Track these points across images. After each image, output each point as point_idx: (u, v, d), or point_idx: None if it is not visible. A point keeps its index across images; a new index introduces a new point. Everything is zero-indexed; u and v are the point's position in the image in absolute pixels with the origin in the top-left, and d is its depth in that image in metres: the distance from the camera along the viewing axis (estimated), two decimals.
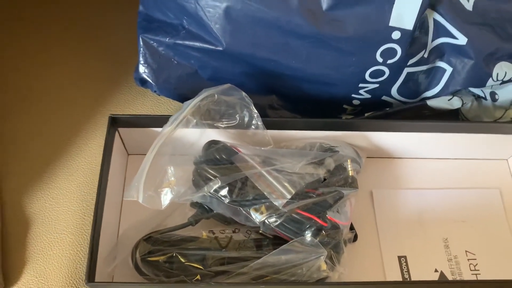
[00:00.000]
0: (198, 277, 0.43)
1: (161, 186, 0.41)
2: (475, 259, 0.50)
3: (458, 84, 0.51)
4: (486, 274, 0.49)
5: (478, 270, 0.49)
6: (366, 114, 0.54)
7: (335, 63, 0.48)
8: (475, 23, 0.47)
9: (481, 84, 0.51)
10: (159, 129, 0.46)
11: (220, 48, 0.47)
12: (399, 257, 0.49)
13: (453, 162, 0.55)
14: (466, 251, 0.50)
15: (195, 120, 0.45)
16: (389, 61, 0.48)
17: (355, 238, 0.49)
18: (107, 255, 0.45)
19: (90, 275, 0.40)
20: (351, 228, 0.49)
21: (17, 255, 0.48)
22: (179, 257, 0.43)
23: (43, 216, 0.50)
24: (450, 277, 0.48)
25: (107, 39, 0.63)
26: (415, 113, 0.54)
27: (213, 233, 0.47)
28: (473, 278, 0.48)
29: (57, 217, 0.50)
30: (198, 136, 0.47)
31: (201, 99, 0.45)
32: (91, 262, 0.40)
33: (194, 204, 0.47)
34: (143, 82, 0.53)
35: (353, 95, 0.52)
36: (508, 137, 0.51)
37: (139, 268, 0.44)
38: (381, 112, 0.54)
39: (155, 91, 0.53)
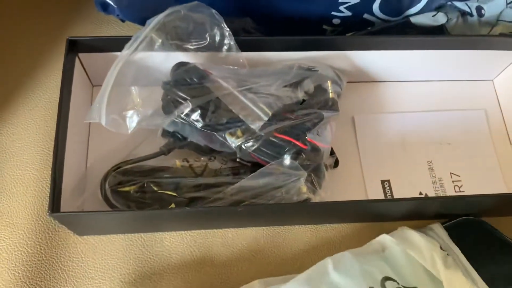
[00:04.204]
0: (173, 205, 0.40)
1: (126, 108, 0.38)
2: (460, 180, 0.48)
3: None
4: None
5: (463, 191, 0.48)
6: (347, 35, 0.51)
7: None
8: None
9: None
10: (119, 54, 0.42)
11: None
12: (382, 181, 0.48)
13: (438, 84, 0.53)
14: (451, 173, 0.49)
15: (160, 40, 0.41)
16: None
17: (336, 163, 0.47)
18: (74, 188, 0.42)
19: (55, 205, 0.37)
20: (332, 153, 0.47)
21: None
22: (152, 185, 0.41)
23: (4, 153, 0.46)
24: None
25: None
26: (398, 33, 0.50)
27: (188, 161, 0.44)
28: None
29: (20, 153, 0.46)
30: (165, 59, 0.43)
31: (165, 15, 0.41)
32: (54, 192, 0.37)
33: (166, 133, 0.44)
34: (104, 7, 0.48)
35: (332, 13, 0.48)
36: (494, 53, 0.49)
37: (108, 200, 0.42)
38: (363, 32, 0.51)
39: (117, 15, 0.48)
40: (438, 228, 0.44)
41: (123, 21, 0.52)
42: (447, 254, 0.41)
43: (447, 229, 0.44)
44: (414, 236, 0.41)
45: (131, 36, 0.42)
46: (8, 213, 0.44)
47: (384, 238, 0.42)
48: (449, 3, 0.49)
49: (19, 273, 0.42)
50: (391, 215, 0.46)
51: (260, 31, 0.51)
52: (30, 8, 0.54)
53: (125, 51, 0.40)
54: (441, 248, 0.41)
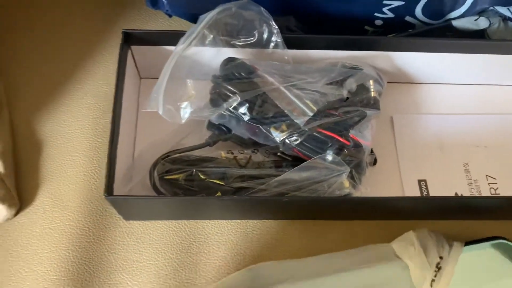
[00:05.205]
0: (219, 193, 0.42)
1: (180, 99, 0.40)
2: (496, 183, 0.49)
3: (486, 2, 0.48)
4: None
5: (499, 194, 0.49)
6: (388, 36, 0.52)
7: None
8: None
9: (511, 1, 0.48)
10: (174, 48, 0.44)
11: None
12: (419, 181, 0.49)
13: (476, 88, 0.53)
14: (486, 175, 0.49)
15: (212, 36, 0.43)
16: None
17: (375, 162, 0.48)
18: (123, 176, 0.44)
19: (109, 188, 0.39)
20: (371, 151, 0.48)
21: (31, 177, 0.47)
22: (199, 174, 0.42)
23: (54, 139, 0.49)
24: None
25: None
26: (439, 36, 0.51)
27: (232, 153, 0.45)
28: None
29: (70, 139, 0.49)
30: (215, 54, 0.44)
31: (217, 12, 0.43)
32: (109, 176, 0.39)
33: (211, 126, 0.46)
34: (154, 2, 0.50)
35: (376, 14, 0.49)
36: None
37: (157, 188, 0.43)
38: (403, 34, 0.51)
39: (166, 11, 0.50)
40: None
41: (170, 16, 0.54)
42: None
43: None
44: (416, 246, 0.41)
45: (181, 30, 0.43)
46: (60, 196, 0.46)
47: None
48: (491, 8, 0.50)
49: (69, 253, 0.44)
50: (427, 213, 0.47)
51: (303, 29, 0.53)
52: (77, 2, 0.57)
53: (180, 46, 0.41)
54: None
